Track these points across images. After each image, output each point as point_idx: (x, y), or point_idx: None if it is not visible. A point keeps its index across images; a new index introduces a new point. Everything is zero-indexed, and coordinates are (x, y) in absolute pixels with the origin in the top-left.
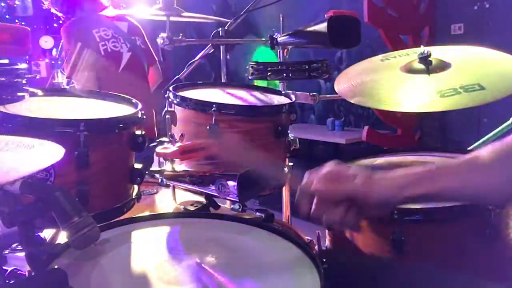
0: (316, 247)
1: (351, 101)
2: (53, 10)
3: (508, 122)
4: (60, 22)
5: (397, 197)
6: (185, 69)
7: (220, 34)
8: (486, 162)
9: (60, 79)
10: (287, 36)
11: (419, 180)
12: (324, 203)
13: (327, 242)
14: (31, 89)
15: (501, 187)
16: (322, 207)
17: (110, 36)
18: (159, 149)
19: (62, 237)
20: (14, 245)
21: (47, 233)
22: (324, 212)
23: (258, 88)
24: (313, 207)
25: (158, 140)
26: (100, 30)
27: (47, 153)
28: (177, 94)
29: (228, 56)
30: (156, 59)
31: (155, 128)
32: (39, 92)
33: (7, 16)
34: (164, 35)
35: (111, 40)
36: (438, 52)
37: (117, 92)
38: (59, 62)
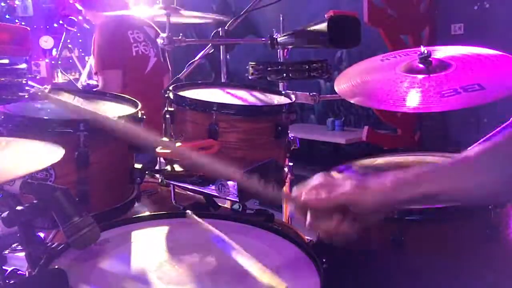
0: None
1: (351, 101)
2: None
3: (508, 122)
4: (61, 22)
5: (388, 201)
6: (185, 69)
7: (220, 34)
8: (473, 162)
9: (61, 79)
10: (287, 36)
11: (409, 184)
12: (317, 214)
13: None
14: (32, 89)
15: (489, 187)
16: (316, 219)
17: (142, 40)
18: (159, 149)
19: (62, 237)
20: (14, 245)
21: (47, 233)
22: (319, 223)
23: (258, 88)
24: (308, 219)
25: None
26: (134, 32)
27: (47, 153)
28: (177, 94)
29: (228, 56)
30: (170, 68)
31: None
32: (39, 92)
33: (7, 16)
34: (164, 35)
35: (143, 43)
36: (438, 52)
37: (139, 93)
38: (59, 62)
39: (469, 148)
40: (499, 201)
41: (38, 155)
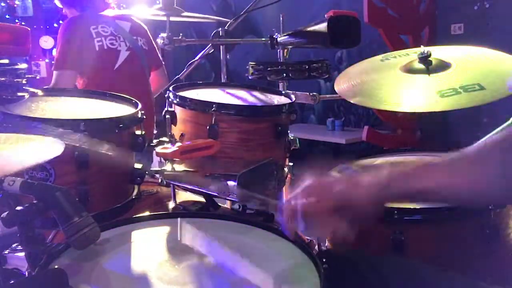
0: (316, 247)
1: (351, 101)
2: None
3: (508, 122)
4: (61, 22)
5: (383, 196)
6: (185, 69)
7: (220, 34)
8: (470, 161)
9: None
10: (287, 36)
11: (403, 178)
12: (313, 218)
13: (327, 242)
14: (31, 89)
15: (486, 185)
16: (312, 223)
17: (109, 33)
18: (159, 149)
19: (62, 237)
20: (14, 245)
21: (47, 233)
22: (316, 228)
23: (258, 88)
24: (303, 225)
25: (158, 140)
26: (98, 27)
27: (47, 148)
28: (177, 94)
29: (228, 56)
30: (163, 63)
31: (153, 130)
32: (39, 92)
33: (7, 16)
34: (164, 35)
35: (109, 37)
36: (438, 52)
37: (112, 89)
38: None
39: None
40: (493, 203)
41: (38, 150)
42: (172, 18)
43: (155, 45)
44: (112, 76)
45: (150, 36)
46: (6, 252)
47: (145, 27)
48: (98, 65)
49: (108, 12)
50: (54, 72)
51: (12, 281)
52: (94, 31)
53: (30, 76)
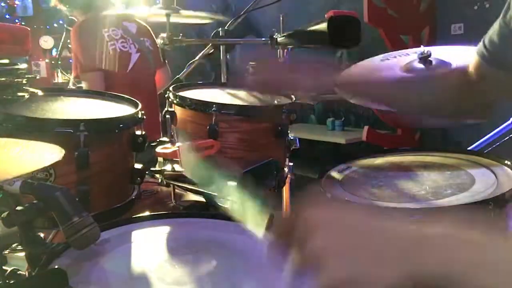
0: None
1: (351, 101)
2: (61, 8)
3: (508, 122)
4: (61, 22)
5: None
6: (185, 69)
7: (220, 34)
8: None
9: (61, 79)
10: (287, 36)
11: None
12: None
13: None
14: (31, 89)
15: None
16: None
17: (119, 37)
18: (159, 149)
19: (62, 237)
20: (14, 245)
21: (47, 233)
22: None
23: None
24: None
25: (158, 140)
26: (110, 30)
27: (47, 153)
28: (177, 94)
29: (228, 56)
30: (166, 61)
31: (161, 129)
32: (39, 92)
33: (7, 16)
34: (164, 35)
35: (120, 40)
36: (438, 52)
37: (125, 92)
38: (59, 62)
39: None
40: None
41: (38, 155)
42: (172, 18)
43: (157, 45)
44: (125, 78)
45: (153, 36)
46: (6, 252)
47: (148, 28)
48: (113, 68)
49: (113, 12)
50: (83, 75)
51: (12, 281)
52: (106, 34)
53: (30, 76)
